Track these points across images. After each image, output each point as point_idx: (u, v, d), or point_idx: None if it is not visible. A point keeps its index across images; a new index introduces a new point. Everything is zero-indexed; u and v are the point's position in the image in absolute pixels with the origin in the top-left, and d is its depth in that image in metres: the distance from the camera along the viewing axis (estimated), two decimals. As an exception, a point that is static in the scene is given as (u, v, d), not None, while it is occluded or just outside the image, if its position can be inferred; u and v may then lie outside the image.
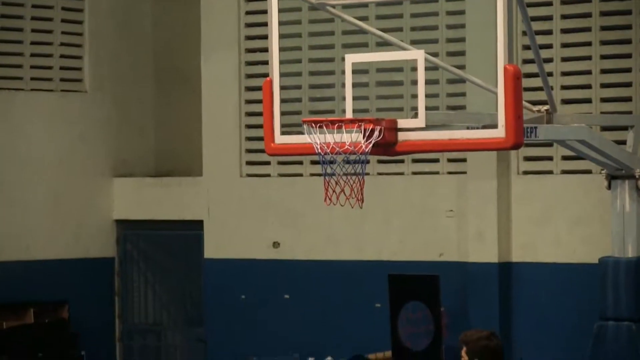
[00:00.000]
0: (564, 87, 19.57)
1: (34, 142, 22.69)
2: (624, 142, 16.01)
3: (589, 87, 19.74)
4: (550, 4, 20.04)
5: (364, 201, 13.99)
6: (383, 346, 20.12)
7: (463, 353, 12.03)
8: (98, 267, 23.16)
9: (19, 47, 22.69)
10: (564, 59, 19.83)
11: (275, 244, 21.86)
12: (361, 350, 20.55)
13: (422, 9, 19.74)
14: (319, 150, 13.91)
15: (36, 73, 22.72)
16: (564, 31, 19.91)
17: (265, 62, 15.00)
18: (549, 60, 18.94)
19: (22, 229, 22.44)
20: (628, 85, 19.68)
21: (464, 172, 20.44)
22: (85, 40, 23.16)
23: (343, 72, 14.30)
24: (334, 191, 13.98)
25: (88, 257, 22.99)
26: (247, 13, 22.09)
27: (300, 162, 20.44)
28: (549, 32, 19.73)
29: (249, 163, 22.21)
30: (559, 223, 19.84)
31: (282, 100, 14.71)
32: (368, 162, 14.03)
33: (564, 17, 20.01)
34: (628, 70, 19.74)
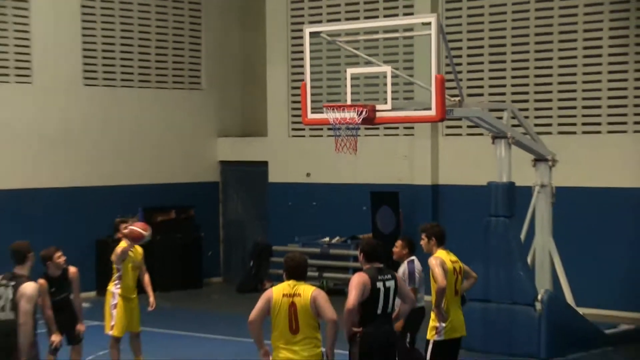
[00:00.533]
0: (468, 87, 19.91)
1: (180, 118, 23.30)
2: (501, 118, 16.06)
3: (481, 87, 20.28)
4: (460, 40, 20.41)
5: (357, 150, 14.53)
6: (367, 230, 20.56)
7: (423, 237, 11.66)
8: (210, 187, 23.79)
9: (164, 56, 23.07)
10: (469, 71, 20.29)
11: (308, 174, 22.59)
12: (355, 233, 21.16)
13: (393, 42, 19.87)
14: (332, 122, 14.47)
15: (158, 70, 23.14)
16: (469, 56, 20.43)
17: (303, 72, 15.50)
18: (459, 72, 19.37)
19: (170, 167, 22.97)
20: (502, 80, 20.11)
21: (413, 135, 20.99)
22: (202, 53, 23.70)
23: (346, 79, 14.88)
24: (340, 144, 14.59)
25: (205, 181, 23.71)
26: (292, 38, 22.47)
27: (321, 129, 20.66)
28: (459, 56, 20.17)
29: (293, 129, 22.82)
30: (466, 163, 20.19)
31: (312, 94, 15.25)
32: (359, 129, 14.53)
33: (469, 47, 20.45)
34: (503, 74, 20.12)
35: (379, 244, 10.88)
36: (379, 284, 10.26)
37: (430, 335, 11.39)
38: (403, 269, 12.42)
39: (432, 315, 11.37)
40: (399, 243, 12.70)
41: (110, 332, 13.63)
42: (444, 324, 11.30)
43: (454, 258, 11.60)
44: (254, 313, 9.60)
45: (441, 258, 11.41)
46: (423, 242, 11.70)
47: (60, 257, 12.72)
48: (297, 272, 9.79)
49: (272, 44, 23.11)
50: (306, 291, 9.61)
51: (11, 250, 10.54)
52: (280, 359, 9.63)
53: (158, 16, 22.93)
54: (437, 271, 11.25)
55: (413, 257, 12.57)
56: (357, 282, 10.21)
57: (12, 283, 10.26)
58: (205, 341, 16.74)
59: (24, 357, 10.22)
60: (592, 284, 18.27)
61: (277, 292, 9.64)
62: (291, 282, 9.69)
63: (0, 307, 10.23)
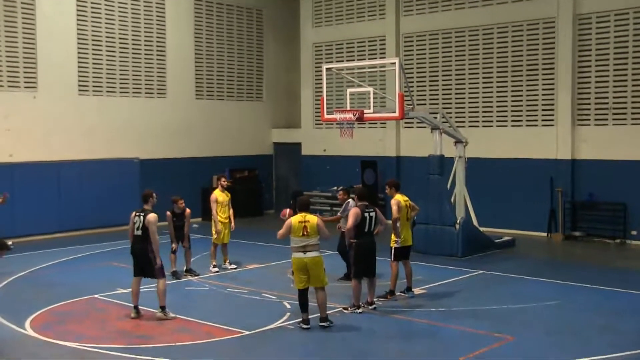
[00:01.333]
0: (418, 99, 19.51)
1: (251, 118, 22.42)
2: (436, 117, 15.36)
3: (424, 99, 19.58)
4: (412, 73, 19.72)
5: (352, 136, 14.48)
6: (358, 182, 20.06)
7: (387, 187, 11.58)
8: (267, 158, 23.13)
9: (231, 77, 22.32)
10: (418, 90, 19.65)
11: (324, 150, 22.10)
12: (352, 184, 19.95)
13: (374, 73, 18.85)
14: (338, 120, 14.26)
15: (238, 90, 22.48)
16: (418, 80, 19.86)
17: (321, 90, 15.43)
18: (412, 90, 18.90)
19: (245, 145, 22.10)
20: (436, 96, 19.53)
21: (385, 127, 20.54)
22: (264, 80, 22.89)
23: (346, 94, 14.84)
24: (343, 133, 14.43)
25: (265, 154, 23.07)
26: (316, 71, 21.72)
27: (332, 124, 19.50)
28: (411, 80, 19.47)
29: (316, 123, 22.25)
30: (416, 144, 19.70)
31: (327, 103, 15.10)
32: (354, 124, 14.33)
33: (418, 76, 19.72)
34: (436, 92, 19.46)
35: (366, 191, 10.94)
36: (366, 214, 10.35)
37: (392, 244, 11.24)
38: (344, 206, 12.11)
39: (392, 232, 11.18)
40: (341, 192, 12.34)
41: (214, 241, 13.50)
42: (399, 239, 11.12)
43: (406, 198, 11.40)
44: (281, 232, 9.74)
45: (398, 199, 11.19)
46: (387, 190, 11.48)
47: (182, 203, 12.70)
48: (305, 207, 9.75)
49: (304, 74, 22.73)
50: (313, 218, 9.63)
51: (142, 194, 10.44)
52: (296, 257, 9.61)
53: (239, 56, 22.37)
54: (394, 208, 11.05)
55: (349, 200, 12.16)
56: (353, 213, 10.33)
57: (142, 214, 10.08)
58: (262, 247, 16.50)
59: (154, 253, 10.12)
60: (487, 213, 17.91)
61: (295, 220, 9.62)
62: (302, 214, 9.64)
63: (137, 228, 10.04)
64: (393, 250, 11.15)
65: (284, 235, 9.66)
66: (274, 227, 20.40)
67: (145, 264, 9.98)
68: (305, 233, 9.54)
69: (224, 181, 13.44)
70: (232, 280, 12.72)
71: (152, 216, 9.98)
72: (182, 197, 12.74)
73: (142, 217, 9.97)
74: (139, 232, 9.94)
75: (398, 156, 20.72)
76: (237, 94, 22.68)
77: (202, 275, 13.03)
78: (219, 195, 13.31)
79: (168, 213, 12.44)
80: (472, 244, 15.18)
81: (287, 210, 11.69)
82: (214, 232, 13.34)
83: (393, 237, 11.12)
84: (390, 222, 11.46)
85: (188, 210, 12.78)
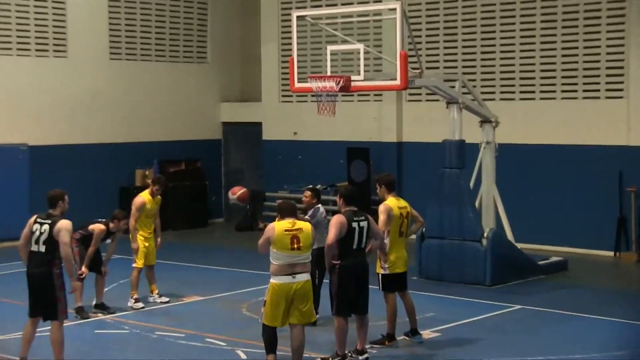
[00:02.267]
0: (427, 61, 19.67)
1: (189, 87, 22.93)
2: (453, 87, 15.67)
3: (437, 61, 20.06)
4: (420, 22, 20.17)
5: (335, 113, 14.51)
6: (344, 179, 20.36)
7: (377, 185, 11.53)
8: (214, 143, 23.53)
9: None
10: (427, 48, 20.08)
11: (295, 133, 22.42)
12: (334, 181, 20.90)
13: (365, 24, 19.32)
14: (315, 90, 14.43)
15: (171, 47, 22.86)
16: (427, 35, 20.29)
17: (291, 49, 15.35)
18: (419, 48, 19.22)
19: (181, 126, 22.67)
20: (454, 56, 19.93)
21: (381, 100, 20.87)
22: (208, 33, 23.26)
23: (326, 54, 14.88)
24: (321, 108, 14.49)
25: (210, 139, 23.51)
26: (283, 20, 22.14)
27: (306, 95, 20.19)
28: (419, 35, 19.98)
29: (283, 96, 22.55)
30: (425, 124, 20.00)
31: (298, 67, 15.21)
32: (337, 95, 14.55)
33: (427, 28, 20.23)
34: (455, 51, 19.97)
35: (355, 190, 10.99)
36: (354, 224, 10.28)
37: (378, 269, 11.24)
38: (311, 212, 12.21)
39: (378, 254, 11.17)
40: (307, 193, 12.52)
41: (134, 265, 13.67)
42: (385, 264, 11.13)
43: (402, 204, 11.35)
44: (261, 242, 9.71)
45: (389, 205, 11.16)
46: (377, 189, 11.55)
47: (125, 224, 13.13)
48: (290, 213, 9.83)
49: (265, 25, 23.03)
50: (306, 226, 9.74)
51: (49, 196, 10.27)
52: (279, 282, 9.63)
53: (172, 2, 22.83)
54: (381, 217, 11.05)
55: (319, 205, 12.36)
56: (336, 222, 10.22)
57: (48, 221, 9.93)
58: (208, 270, 16.81)
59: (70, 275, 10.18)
60: (528, 223, 18.31)
61: (279, 228, 9.64)
62: (291, 220, 9.68)
63: (37, 240, 9.89)
64: (380, 279, 11.19)
65: (264, 247, 9.65)
66: (223, 242, 20.88)
67: (48, 298, 9.82)
68: (296, 246, 9.55)
69: (157, 188, 13.52)
70: (162, 318, 12.80)
71: (64, 223, 9.90)
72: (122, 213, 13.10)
73: (48, 226, 9.84)
74: (42, 248, 9.80)
75: (399, 142, 21.00)
76: (170, 52, 22.93)
77: (119, 313, 13.09)
78: (149, 201, 13.40)
79: (102, 227, 12.67)
80: (505, 267, 15.33)
81: (239, 190, 11.73)
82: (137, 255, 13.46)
83: (378, 259, 11.15)
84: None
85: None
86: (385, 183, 11.44)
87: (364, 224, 10.33)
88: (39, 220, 9.95)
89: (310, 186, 13.48)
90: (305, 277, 9.60)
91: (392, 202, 11.22)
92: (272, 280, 9.61)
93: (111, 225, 12.89)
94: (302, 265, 9.59)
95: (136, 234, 13.28)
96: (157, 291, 13.77)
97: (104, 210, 17.86)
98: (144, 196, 13.43)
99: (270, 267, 9.66)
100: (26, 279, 10.02)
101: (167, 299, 13.72)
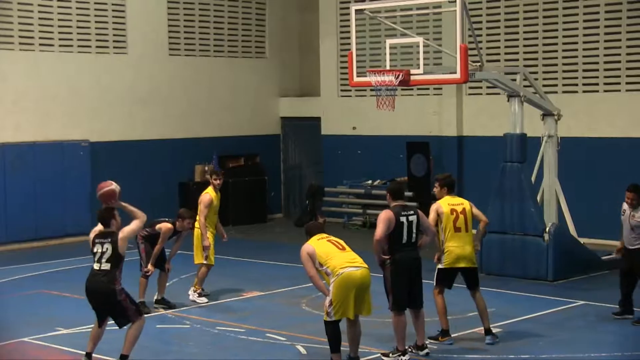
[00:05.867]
0: (487, 54, 19.70)
1: (248, 82, 23.07)
2: (514, 80, 15.93)
3: (498, 54, 20.02)
4: (480, 15, 20.22)
5: (394, 107, 14.66)
6: (404, 174, 20.54)
7: (436, 185, 11.67)
8: (273, 138, 23.73)
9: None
10: (488, 41, 20.08)
11: (354, 128, 22.47)
12: (393, 176, 20.86)
13: (424, 17, 19.76)
14: (374, 84, 14.55)
15: (230, 42, 23.13)
16: (488, 28, 20.20)
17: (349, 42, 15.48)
18: (480, 41, 19.18)
19: (239, 122, 22.87)
20: (515, 48, 19.83)
21: (441, 94, 20.86)
22: (267, 28, 23.51)
23: (385, 48, 15.01)
24: (381, 103, 14.67)
25: (269, 134, 23.65)
26: (341, 14, 22.25)
27: (365, 90, 20.63)
28: (479, 28, 19.94)
29: (341, 90, 22.65)
30: (486, 117, 19.99)
31: (357, 61, 15.29)
32: (396, 89, 14.58)
33: (488, 21, 20.21)
34: (516, 43, 19.93)
35: (403, 186, 11.57)
36: (402, 219, 10.44)
37: (436, 261, 11.43)
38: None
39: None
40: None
41: (206, 262, 13.75)
42: (442, 255, 11.27)
43: (457, 201, 11.41)
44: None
45: (438, 203, 11.32)
46: (435, 189, 11.70)
47: (189, 223, 13.22)
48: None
49: (324, 19, 23.03)
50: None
51: (98, 216, 10.36)
52: (347, 273, 9.87)
53: None
54: (430, 216, 11.22)
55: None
56: (383, 218, 10.42)
57: (109, 239, 10.11)
58: (267, 266, 16.89)
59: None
60: (590, 217, 18.14)
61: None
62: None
63: (100, 259, 10.10)
64: (436, 273, 11.32)
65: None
66: (282, 237, 20.83)
67: (116, 311, 10.10)
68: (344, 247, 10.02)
69: (217, 179, 13.70)
70: (223, 314, 12.92)
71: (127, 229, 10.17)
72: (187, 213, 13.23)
73: (109, 244, 10.03)
74: (105, 266, 10.01)
75: (460, 136, 21.02)
76: (228, 48, 23.07)
77: (181, 308, 13.24)
78: (215, 197, 13.63)
79: (169, 225, 12.88)
80: (568, 263, 15.30)
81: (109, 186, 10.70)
82: (201, 250, 13.57)
83: (437, 252, 11.31)
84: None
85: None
86: (447, 183, 11.57)
87: (412, 218, 10.48)
88: (97, 241, 10.13)
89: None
90: (364, 267, 9.86)
91: (446, 200, 11.36)
92: (342, 272, 9.73)
93: (177, 224, 13.04)
94: (359, 259, 9.91)
95: (206, 231, 13.44)
96: (200, 290, 13.82)
97: (164, 206, 18.48)
98: (210, 192, 13.58)
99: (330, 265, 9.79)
100: (86, 293, 10.18)
101: (207, 300, 13.70)
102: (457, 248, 11.19)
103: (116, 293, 9.97)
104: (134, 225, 10.15)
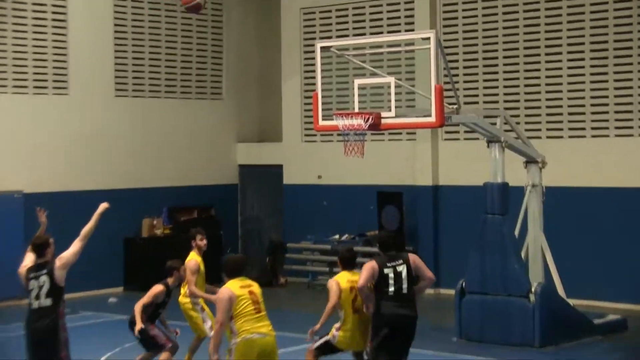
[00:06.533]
0: (465, 95, 19.84)
1: (202, 126, 23.09)
2: (494, 123, 15.69)
3: (476, 95, 20.18)
4: (457, 53, 20.33)
5: (363, 154, 14.43)
6: (374, 228, 20.55)
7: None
8: (229, 188, 23.57)
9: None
10: (465, 81, 20.16)
11: (319, 176, 22.39)
12: (363, 230, 20.95)
13: (396, 56, 19.86)
14: (341, 128, 14.29)
15: (182, 82, 23.04)
16: (465, 67, 20.31)
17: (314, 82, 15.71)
18: (456, 81, 19.35)
19: (192, 170, 22.77)
20: (495, 89, 19.94)
21: (415, 139, 20.86)
22: (223, 67, 23.55)
23: (354, 88, 14.74)
24: (349, 149, 14.45)
25: (225, 183, 23.53)
26: (305, 52, 22.38)
27: (331, 134, 20.35)
28: (456, 67, 20.10)
29: (306, 135, 22.65)
30: (463, 165, 19.98)
31: (323, 102, 15.11)
32: (366, 134, 14.40)
33: (465, 60, 20.29)
34: (495, 84, 20.04)
35: (390, 236, 11.53)
36: (387, 270, 10.70)
37: (330, 335, 11.23)
38: None
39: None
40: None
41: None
42: (337, 332, 11.13)
43: (354, 278, 11.09)
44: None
45: (337, 280, 11.06)
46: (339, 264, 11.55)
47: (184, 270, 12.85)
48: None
49: (286, 57, 23.17)
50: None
51: (34, 243, 10.24)
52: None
53: (183, 33, 22.92)
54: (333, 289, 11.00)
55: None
56: (366, 267, 10.78)
57: (44, 271, 9.90)
58: None
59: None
60: (581, 276, 18.12)
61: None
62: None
63: (38, 295, 9.87)
64: (323, 341, 11.18)
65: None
66: None
67: (53, 354, 9.75)
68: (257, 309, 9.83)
69: (202, 239, 13.39)
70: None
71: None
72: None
73: (45, 276, 9.81)
74: (46, 302, 9.73)
75: (435, 185, 20.98)
76: (181, 88, 23.04)
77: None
78: (201, 262, 13.26)
79: (160, 287, 12.40)
80: (556, 327, 15.15)
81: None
82: (201, 321, 13.18)
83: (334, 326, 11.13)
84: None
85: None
86: (344, 260, 11.33)
87: (401, 268, 10.68)
88: (31, 276, 9.88)
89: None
90: (271, 333, 9.89)
91: (342, 276, 11.09)
92: (241, 339, 9.66)
93: (171, 279, 12.56)
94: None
95: (199, 300, 13.08)
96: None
97: (107, 265, 18.02)
98: (195, 257, 13.24)
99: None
100: (26, 339, 9.89)
101: None
102: (353, 329, 11.02)
103: (60, 343, 9.66)
104: (74, 248, 9.93)
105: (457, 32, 20.56)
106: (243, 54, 24.01)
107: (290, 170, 23.12)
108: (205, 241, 13.39)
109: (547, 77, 19.52)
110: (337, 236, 21.57)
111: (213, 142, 23.45)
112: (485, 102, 20.17)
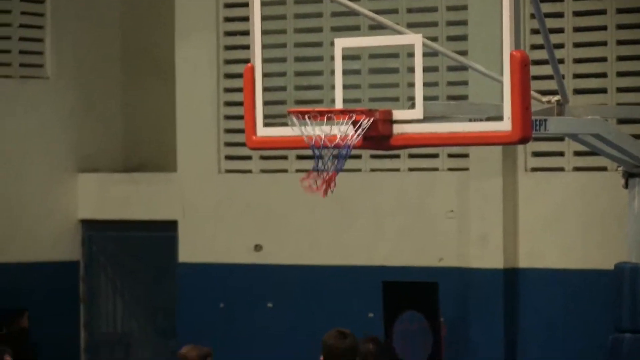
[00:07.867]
0: (576, 76, 19.47)
1: (13, 137, 22.72)
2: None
3: (604, 75, 19.70)
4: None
5: (332, 187, 13.50)
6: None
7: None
8: (61, 272, 23.08)
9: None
10: (577, 45, 19.74)
11: (257, 247, 21.78)
12: None
13: None
14: (307, 142, 13.66)
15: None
16: (577, 14, 19.86)
17: (247, 47, 14.88)
18: (560, 45, 18.82)
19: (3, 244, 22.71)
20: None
21: (466, 169, 20.39)
22: (47, 21, 23.22)
23: (332, 58, 14.11)
24: (315, 182, 13.64)
25: (50, 261, 22.90)
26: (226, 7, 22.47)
27: (285, 157, 20.21)
28: (560, 15, 19.66)
29: (228, 158, 22.19)
30: (570, 225, 19.79)
31: (265, 89, 14.59)
32: (349, 155, 13.60)
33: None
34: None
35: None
36: None
37: None
38: None
39: None
40: None
41: None
42: None
43: None
44: None
45: None
46: None
47: None
48: None
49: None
50: None
51: None
52: None
53: None
54: None
55: None
56: None
57: None
58: None
59: None
60: None
61: None
62: None
63: None
64: None
65: None
66: None
67: None
68: None
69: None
70: None
71: None
72: None
73: None
74: None
75: (511, 268, 20.43)
76: None
77: None
78: None
79: None
80: None
81: None
82: None
83: None
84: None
85: None
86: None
87: None
88: None
89: None
90: None
91: None
92: None
93: None
94: None
95: None
96: None
97: None
98: None
99: None
100: None
101: None
102: None
103: None
104: None
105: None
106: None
107: (193, 235, 22.64)
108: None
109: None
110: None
111: (27, 172, 22.94)
112: (618, 91, 19.53)
